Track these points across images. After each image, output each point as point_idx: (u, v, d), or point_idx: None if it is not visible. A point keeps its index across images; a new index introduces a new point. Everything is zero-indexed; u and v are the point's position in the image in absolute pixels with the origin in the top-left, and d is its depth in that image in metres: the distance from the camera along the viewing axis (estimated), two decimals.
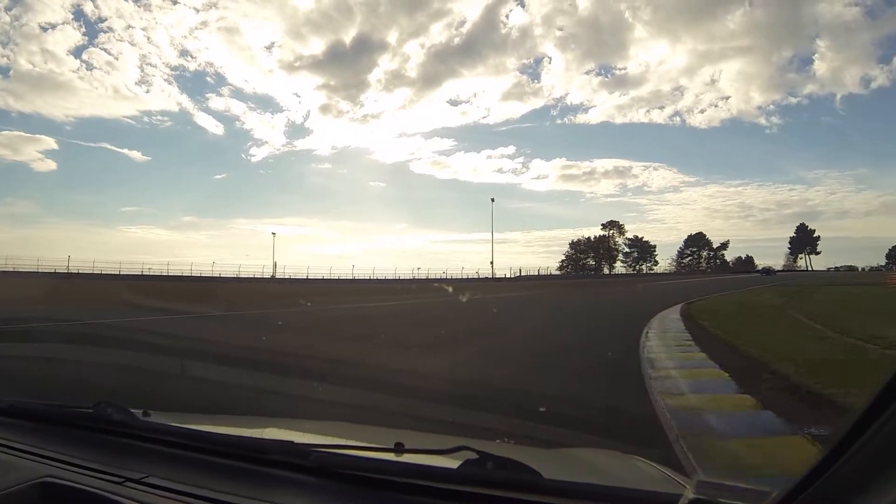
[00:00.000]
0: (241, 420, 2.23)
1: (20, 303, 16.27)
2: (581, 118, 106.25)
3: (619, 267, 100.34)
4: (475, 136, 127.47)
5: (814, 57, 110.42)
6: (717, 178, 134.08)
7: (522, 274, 66.88)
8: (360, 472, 1.12)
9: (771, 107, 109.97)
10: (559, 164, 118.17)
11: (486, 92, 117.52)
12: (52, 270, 45.77)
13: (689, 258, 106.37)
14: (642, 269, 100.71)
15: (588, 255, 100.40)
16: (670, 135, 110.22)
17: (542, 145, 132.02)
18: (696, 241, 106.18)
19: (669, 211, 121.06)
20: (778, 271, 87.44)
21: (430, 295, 23.79)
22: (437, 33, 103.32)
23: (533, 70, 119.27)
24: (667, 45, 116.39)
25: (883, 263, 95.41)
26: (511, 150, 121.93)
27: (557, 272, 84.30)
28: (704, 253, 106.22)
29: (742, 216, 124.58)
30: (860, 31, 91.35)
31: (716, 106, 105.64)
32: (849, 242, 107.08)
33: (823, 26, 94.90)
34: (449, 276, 57.22)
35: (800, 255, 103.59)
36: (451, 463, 1.08)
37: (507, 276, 63.96)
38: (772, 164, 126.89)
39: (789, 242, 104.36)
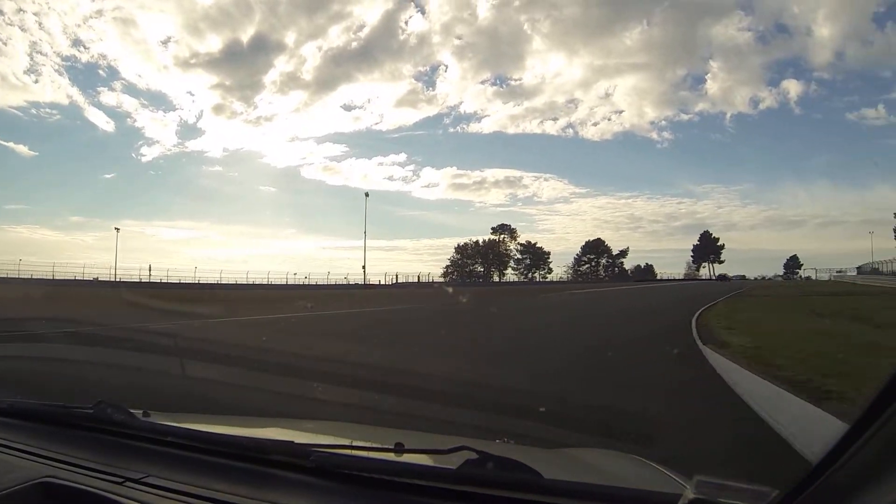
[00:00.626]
0: (241, 420, 2.23)
1: None
2: (474, 127, 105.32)
3: (511, 274, 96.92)
4: (367, 143, 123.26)
5: (706, 77, 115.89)
6: (607, 189, 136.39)
7: (400, 281, 62.87)
8: (360, 472, 1.12)
9: (663, 122, 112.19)
10: (450, 173, 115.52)
11: (380, 98, 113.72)
12: None
13: (587, 265, 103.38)
14: (535, 277, 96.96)
15: (476, 261, 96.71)
16: (563, 146, 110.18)
17: (433, 153, 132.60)
18: (595, 248, 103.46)
19: (559, 221, 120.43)
20: (680, 280, 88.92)
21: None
22: (336, 36, 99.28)
23: (429, 78, 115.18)
24: (564, 58, 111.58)
25: (781, 273, 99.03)
26: (402, 157, 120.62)
27: (441, 279, 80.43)
28: (603, 260, 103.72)
29: (632, 227, 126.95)
30: (751, 54, 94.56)
31: (609, 119, 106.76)
32: (736, 254, 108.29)
33: (717, 48, 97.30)
34: (312, 283, 54.70)
35: (703, 264, 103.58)
36: (450, 463, 1.08)
37: (382, 282, 60.41)
38: (662, 178, 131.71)
39: (692, 250, 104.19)
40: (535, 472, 1.04)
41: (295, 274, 60.24)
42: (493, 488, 1.02)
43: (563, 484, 1.10)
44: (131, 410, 1.41)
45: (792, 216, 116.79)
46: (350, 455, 1.22)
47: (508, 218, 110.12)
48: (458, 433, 2.71)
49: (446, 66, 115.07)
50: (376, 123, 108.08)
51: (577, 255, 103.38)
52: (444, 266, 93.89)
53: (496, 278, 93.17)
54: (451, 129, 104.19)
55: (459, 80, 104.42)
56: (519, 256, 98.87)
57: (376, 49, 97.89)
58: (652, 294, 34.26)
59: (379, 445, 1.42)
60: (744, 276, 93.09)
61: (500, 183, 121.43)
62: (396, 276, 65.26)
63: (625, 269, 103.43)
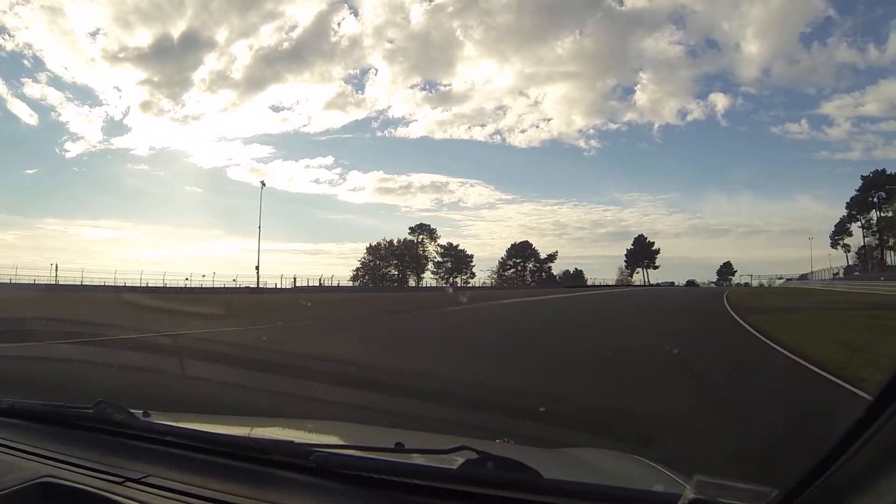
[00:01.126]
0: (241, 420, 2.23)
1: None
2: (402, 132, 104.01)
3: (429, 278, 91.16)
4: (295, 145, 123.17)
5: (636, 87, 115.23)
6: (533, 196, 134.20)
7: (298, 284, 56.77)
8: (360, 472, 1.12)
9: (591, 131, 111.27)
10: (376, 177, 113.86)
11: (309, 100, 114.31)
12: None
13: (513, 270, 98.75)
14: (457, 282, 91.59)
15: (390, 263, 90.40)
16: (490, 152, 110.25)
17: (360, 157, 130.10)
18: (521, 251, 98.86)
19: (484, 227, 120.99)
20: (615, 287, 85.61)
21: None
22: (267, 36, 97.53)
23: (358, 81, 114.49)
24: (495, 64, 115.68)
25: (715, 279, 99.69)
26: (329, 160, 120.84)
27: (350, 282, 76.83)
28: (530, 264, 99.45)
29: (557, 234, 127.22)
30: (681, 68, 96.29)
31: (537, 127, 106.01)
32: (661, 261, 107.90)
33: (648, 60, 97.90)
34: (194, 287, 47.89)
35: (636, 269, 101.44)
36: (451, 463, 1.08)
37: (278, 285, 54.42)
38: (589, 185, 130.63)
39: (626, 255, 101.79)
40: (535, 472, 1.04)
41: (186, 278, 52.85)
42: (494, 488, 1.02)
43: (563, 484, 1.10)
44: (131, 410, 1.41)
45: (716, 225, 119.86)
46: (350, 455, 1.22)
47: (434, 222, 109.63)
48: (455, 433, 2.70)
49: (377, 70, 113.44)
50: (304, 125, 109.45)
51: (503, 258, 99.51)
52: (354, 268, 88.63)
53: (412, 282, 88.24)
54: (379, 133, 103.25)
55: (389, 84, 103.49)
56: (439, 259, 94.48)
57: (307, 50, 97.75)
58: (609, 308, 23.54)
59: (379, 445, 1.42)
60: (672, 282, 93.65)
61: (426, 188, 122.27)
62: (294, 278, 59.09)
63: (553, 274, 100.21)
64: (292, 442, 1.27)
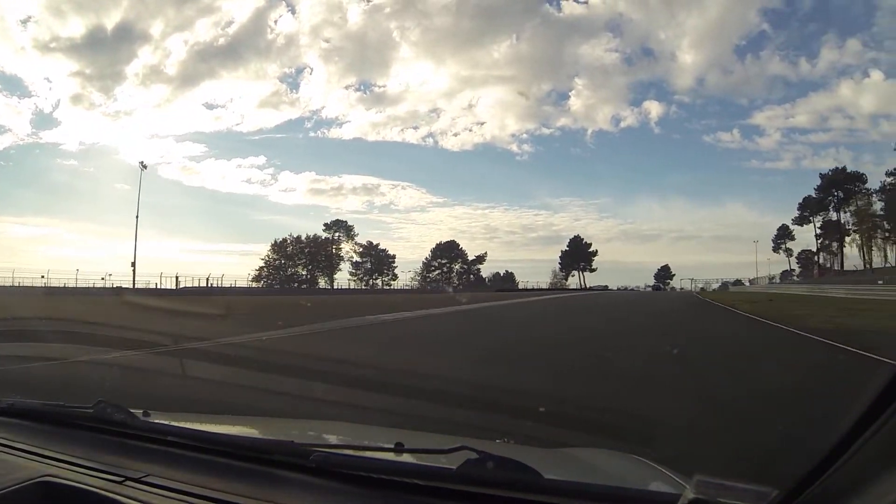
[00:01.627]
0: (241, 420, 2.23)
1: None
2: (335, 132, 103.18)
3: (348, 279, 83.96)
4: (227, 144, 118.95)
5: (571, 93, 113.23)
6: (465, 199, 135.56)
7: (182, 286, 49.69)
8: (360, 472, 1.12)
9: (524, 135, 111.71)
10: (308, 178, 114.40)
11: (243, 98, 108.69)
12: None
13: (438, 271, 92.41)
14: (377, 284, 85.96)
15: (299, 262, 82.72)
16: (423, 155, 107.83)
17: (293, 157, 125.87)
18: (447, 251, 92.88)
19: (415, 230, 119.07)
20: (551, 291, 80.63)
21: None
22: (203, 30, 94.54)
23: (293, 80, 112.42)
24: (430, 66, 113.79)
25: (652, 283, 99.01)
26: (262, 160, 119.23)
27: (253, 283, 69.54)
28: (457, 266, 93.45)
29: (487, 237, 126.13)
30: (617, 75, 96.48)
31: (471, 130, 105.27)
32: (593, 264, 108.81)
33: (584, 67, 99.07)
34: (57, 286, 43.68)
35: (572, 272, 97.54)
36: (451, 463, 1.07)
37: (158, 285, 48.34)
38: (520, 190, 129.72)
39: (560, 257, 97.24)
40: (535, 471, 1.04)
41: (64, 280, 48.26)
42: (493, 488, 1.02)
43: (563, 484, 1.10)
44: (131, 410, 1.41)
45: (648, 230, 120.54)
46: (350, 455, 1.23)
47: (364, 225, 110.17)
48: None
49: (312, 69, 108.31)
50: (237, 124, 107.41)
51: (427, 258, 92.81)
52: (258, 267, 79.51)
53: (324, 284, 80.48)
54: (312, 134, 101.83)
55: (324, 83, 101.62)
56: (358, 259, 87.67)
57: (243, 46, 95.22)
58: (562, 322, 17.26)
59: (379, 445, 1.43)
60: (606, 286, 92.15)
61: (357, 190, 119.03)
62: (177, 278, 51.99)
63: (482, 276, 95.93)
64: (292, 442, 1.27)
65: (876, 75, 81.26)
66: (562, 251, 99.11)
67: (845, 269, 69.75)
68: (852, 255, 69.49)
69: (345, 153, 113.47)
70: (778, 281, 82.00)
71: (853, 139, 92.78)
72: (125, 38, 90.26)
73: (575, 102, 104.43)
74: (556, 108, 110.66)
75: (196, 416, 1.97)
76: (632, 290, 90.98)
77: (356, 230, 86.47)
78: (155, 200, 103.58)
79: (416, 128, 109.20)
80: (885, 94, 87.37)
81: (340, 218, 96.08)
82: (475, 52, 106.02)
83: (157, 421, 1.43)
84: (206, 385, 5.20)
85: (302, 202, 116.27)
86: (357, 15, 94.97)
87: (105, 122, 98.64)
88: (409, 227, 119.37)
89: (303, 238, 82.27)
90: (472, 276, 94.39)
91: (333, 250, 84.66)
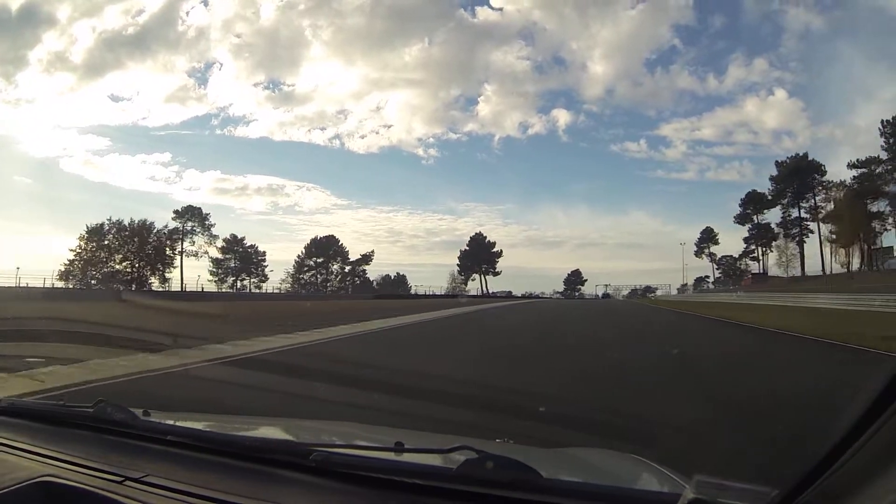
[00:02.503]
0: (241, 420, 2.23)
1: None
2: (241, 131, 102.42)
3: (209, 281, 69.60)
4: (132, 138, 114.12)
5: (479, 99, 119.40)
6: (369, 202, 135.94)
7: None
8: (360, 472, 1.12)
9: (431, 139, 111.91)
10: (213, 177, 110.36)
11: (150, 91, 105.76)
12: None
13: (312, 272, 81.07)
14: (245, 286, 73.73)
15: (123, 254, 63.58)
16: (328, 157, 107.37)
17: (198, 155, 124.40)
18: (324, 249, 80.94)
19: (320, 232, 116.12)
20: (440, 296, 77.52)
21: None
22: (112, 18, 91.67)
23: (202, 75, 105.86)
24: (340, 67, 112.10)
25: (562, 290, 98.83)
26: (167, 157, 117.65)
27: (60, 283, 52.99)
28: (336, 266, 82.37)
29: (391, 241, 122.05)
30: (527, 82, 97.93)
31: (377, 133, 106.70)
32: (497, 268, 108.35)
33: (494, 73, 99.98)
34: None
35: (472, 276, 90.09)
36: (451, 462, 1.08)
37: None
38: (425, 194, 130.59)
39: (460, 257, 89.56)
40: (535, 471, 1.03)
41: None
42: (493, 488, 1.02)
43: (563, 484, 1.10)
44: (131, 410, 1.41)
45: (552, 237, 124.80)
46: (350, 454, 1.23)
47: (268, 226, 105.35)
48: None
49: (221, 65, 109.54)
50: (143, 118, 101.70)
51: (300, 256, 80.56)
52: (67, 260, 60.71)
53: (159, 285, 64.13)
54: (219, 131, 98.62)
55: (233, 80, 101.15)
56: (220, 256, 73.93)
57: (152, 37, 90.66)
58: None
59: (379, 445, 1.42)
60: (510, 291, 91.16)
61: (262, 190, 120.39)
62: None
63: (369, 278, 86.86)
64: (292, 441, 1.27)
65: (780, 93, 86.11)
66: (461, 251, 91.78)
67: (806, 273, 66.81)
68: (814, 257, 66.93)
69: (251, 153, 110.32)
70: (691, 290, 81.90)
71: (756, 153, 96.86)
72: (30, 21, 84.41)
73: (483, 108, 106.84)
74: (464, 114, 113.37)
75: (196, 415, 1.97)
76: (537, 296, 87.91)
77: (212, 219, 71.38)
78: (55, 195, 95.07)
79: (323, 129, 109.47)
80: (787, 111, 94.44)
81: (246, 218, 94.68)
82: (386, 54, 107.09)
83: (157, 421, 1.43)
84: None
85: (206, 201, 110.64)
86: (270, 11, 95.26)
87: (5, 109, 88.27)
88: (314, 230, 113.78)
89: (127, 224, 64.07)
90: (356, 278, 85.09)
91: (168, 243, 67.45)
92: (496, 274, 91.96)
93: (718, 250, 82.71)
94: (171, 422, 1.47)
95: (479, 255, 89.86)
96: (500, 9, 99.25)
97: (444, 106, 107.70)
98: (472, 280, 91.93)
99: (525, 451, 1.55)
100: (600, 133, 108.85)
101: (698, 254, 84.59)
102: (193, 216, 70.27)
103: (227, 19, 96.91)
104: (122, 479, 1.13)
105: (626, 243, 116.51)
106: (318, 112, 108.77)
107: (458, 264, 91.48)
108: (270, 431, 1.73)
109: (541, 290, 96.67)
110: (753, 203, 75.03)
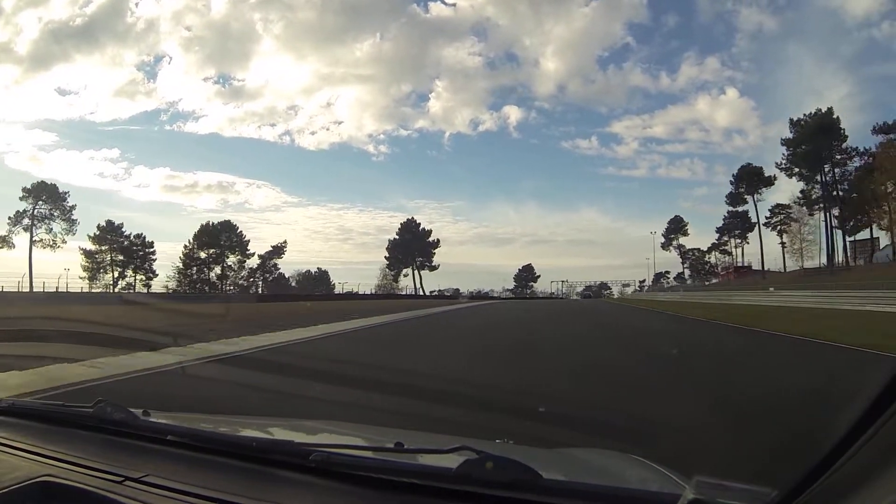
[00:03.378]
0: (241, 420, 2.23)
1: None
2: (191, 127, 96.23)
3: (81, 278, 57.24)
4: (80, 134, 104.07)
5: (431, 95, 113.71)
6: (320, 199, 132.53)
7: None
8: (360, 472, 1.12)
9: (381, 136, 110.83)
10: (163, 174, 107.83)
11: (98, 85, 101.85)
12: None
13: (198, 267, 66.10)
14: (132, 285, 61.59)
15: None
16: (279, 153, 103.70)
17: (148, 151, 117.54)
18: (213, 237, 66.00)
19: (270, 230, 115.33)
20: (364, 295, 65.84)
21: None
22: (59, 8, 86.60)
23: (151, 68, 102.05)
24: (291, 61, 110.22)
25: (511, 286, 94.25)
26: (116, 153, 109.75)
27: None
28: (232, 258, 67.48)
29: (341, 239, 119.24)
30: (478, 78, 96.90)
31: (328, 129, 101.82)
32: (444, 267, 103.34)
33: (445, 69, 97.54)
34: None
35: (405, 270, 79.11)
36: (450, 462, 1.07)
37: None
38: (375, 191, 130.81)
39: (388, 248, 78.40)
40: (535, 472, 1.03)
41: None
42: (493, 488, 1.02)
43: (563, 484, 1.10)
44: (131, 409, 1.41)
45: (502, 234, 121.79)
46: (350, 454, 1.23)
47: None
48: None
49: (171, 58, 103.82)
50: (91, 113, 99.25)
51: (188, 245, 66.11)
52: None
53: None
54: (168, 127, 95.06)
55: (182, 74, 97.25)
56: (91, 247, 61.45)
57: (100, 29, 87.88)
58: None
59: (379, 445, 1.43)
60: (458, 289, 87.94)
61: (212, 187, 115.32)
62: None
63: (283, 274, 74.38)
64: (292, 441, 1.27)
65: (731, 93, 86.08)
66: (390, 241, 78.36)
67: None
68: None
69: (201, 149, 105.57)
70: (645, 289, 77.72)
71: (707, 151, 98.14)
72: None
73: (434, 104, 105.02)
74: (415, 110, 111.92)
75: (196, 415, 1.97)
76: (486, 294, 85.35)
77: (75, 204, 57.47)
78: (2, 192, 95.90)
79: (273, 125, 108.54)
80: (739, 110, 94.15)
81: (196, 216, 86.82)
82: (337, 49, 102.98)
83: (156, 420, 1.43)
84: None
85: (156, 199, 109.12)
86: (221, 3, 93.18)
87: None
88: (264, 228, 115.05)
89: None
90: (267, 275, 71.49)
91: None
92: (433, 268, 79.98)
93: (697, 238, 79.19)
94: (170, 422, 1.47)
95: (412, 245, 77.76)
96: (454, 4, 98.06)
97: (395, 102, 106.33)
98: (405, 275, 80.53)
99: (525, 452, 1.55)
100: (551, 130, 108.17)
101: (666, 245, 79.08)
102: (49, 197, 56.32)
103: (177, 11, 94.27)
104: (122, 479, 1.13)
105: (577, 240, 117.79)
106: (269, 108, 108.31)
107: (386, 257, 79.42)
108: (270, 431, 1.73)
109: (490, 288, 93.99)
110: (749, 179, 64.15)
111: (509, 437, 1.71)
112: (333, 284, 78.00)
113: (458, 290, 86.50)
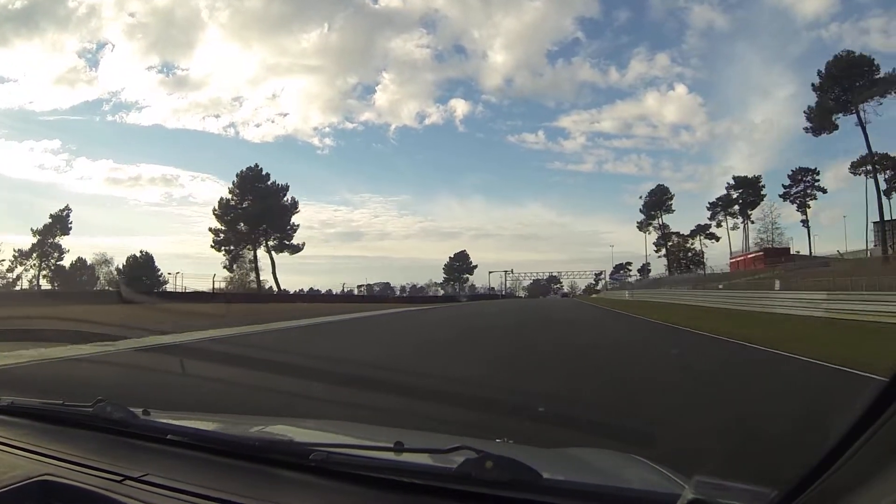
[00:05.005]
0: (241, 419, 2.23)
1: None
2: (134, 117, 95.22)
3: None
4: (19, 123, 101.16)
5: (377, 87, 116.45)
6: None
7: None
8: (359, 472, 1.12)
9: (327, 129, 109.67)
10: (106, 167, 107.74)
11: (37, 72, 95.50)
12: None
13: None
14: None
15: None
16: (223, 146, 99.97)
17: (90, 143, 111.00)
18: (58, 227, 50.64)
19: (213, 224, 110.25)
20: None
21: None
22: None
23: (93, 56, 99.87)
24: (237, 51, 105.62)
25: (440, 280, 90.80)
26: (57, 144, 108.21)
27: None
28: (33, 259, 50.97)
29: None
30: (426, 71, 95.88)
31: (273, 121, 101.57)
32: (388, 262, 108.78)
33: (392, 61, 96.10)
34: None
35: (243, 252, 53.92)
36: (450, 462, 1.08)
37: None
38: (320, 185, 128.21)
39: (220, 219, 53.33)
40: (535, 471, 1.03)
41: None
42: (493, 488, 1.02)
43: (563, 484, 1.10)
44: (131, 409, 1.41)
45: (447, 228, 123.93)
46: (350, 454, 1.23)
47: (162, 218, 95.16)
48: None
49: (113, 46, 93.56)
50: (30, 102, 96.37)
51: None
52: None
53: None
54: (111, 117, 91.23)
55: (125, 62, 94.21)
56: None
57: (40, 13, 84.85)
58: None
59: (379, 444, 1.43)
60: (388, 283, 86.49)
61: (156, 180, 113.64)
62: None
63: (85, 261, 56.83)
64: (292, 441, 1.27)
65: (680, 89, 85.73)
66: (221, 201, 53.76)
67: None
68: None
69: (144, 141, 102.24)
70: (612, 285, 70.43)
71: (654, 147, 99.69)
72: None
73: (381, 97, 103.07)
74: (361, 102, 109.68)
75: (196, 415, 1.97)
76: (416, 289, 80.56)
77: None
78: None
79: (217, 116, 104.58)
80: (687, 106, 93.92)
81: (139, 210, 72.90)
82: (284, 38, 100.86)
83: (156, 420, 1.43)
84: None
85: (99, 192, 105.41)
86: None
87: None
88: (209, 222, 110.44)
89: None
90: (46, 260, 52.61)
91: None
92: (294, 249, 54.99)
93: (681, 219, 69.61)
94: (170, 421, 1.47)
95: (261, 214, 52.14)
96: None
97: (342, 94, 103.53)
98: (248, 256, 54.48)
99: (525, 451, 1.55)
100: (498, 124, 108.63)
101: (644, 226, 64.36)
102: None
103: None
104: (122, 478, 1.13)
105: (523, 234, 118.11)
106: (213, 99, 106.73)
107: (215, 230, 53.31)
108: (270, 431, 1.73)
109: (427, 280, 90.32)
110: (849, 74, 41.99)
111: None
112: (161, 273, 55.88)
113: (388, 283, 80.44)
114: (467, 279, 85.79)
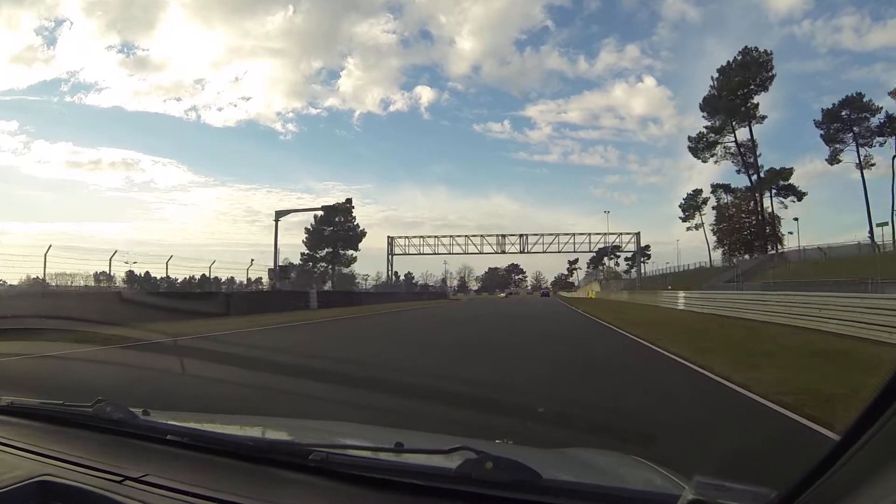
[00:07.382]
0: (241, 419, 2.23)
1: None
2: (93, 99, 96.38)
3: None
4: None
5: (342, 73, 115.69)
6: (227, 180, 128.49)
7: None
8: (359, 472, 1.12)
9: (290, 114, 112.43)
10: (65, 150, 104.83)
11: None
12: None
13: None
14: None
15: None
16: (184, 130, 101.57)
17: (48, 125, 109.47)
18: None
19: (177, 211, 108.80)
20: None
21: None
22: None
23: (50, 34, 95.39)
24: (199, 31, 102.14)
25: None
26: (14, 125, 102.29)
27: None
28: None
29: (249, 221, 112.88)
30: (391, 56, 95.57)
31: (235, 106, 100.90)
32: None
33: (357, 45, 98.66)
34: None
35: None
36: (450, 463, 1.07)
37: None
38: (283, 172, 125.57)
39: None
40: (535, 472, 1.03)
41: None
42: (493, 488, 1.02)
43: (563, 484, 1.10)
44: (131, 409, 1.41)
45: (410, 218, 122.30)
46: (350, 455, 1.23)
47: (123, 203, 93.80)
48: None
49: (72, 23, 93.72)
50: None
51: None
52: None
53: None
54: (69, 98, 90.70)
55: (84, 41, 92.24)
56: None
57: None
58: None
59: (379, 445, 1.42)
60: (368, 276, 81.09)
61: (116, 165, 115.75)
62: None
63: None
64: (292, 441, 1.27)
65: (649, 81, 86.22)
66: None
67: None
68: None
69: (104, 124, 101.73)
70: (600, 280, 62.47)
71: (621, 139, 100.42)
72: None
73: (345, 82, 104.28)
74: (325, 87, 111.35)
75: (196, 415, 1.97)
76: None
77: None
78: None
79: (178, 99, 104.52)
80: (655, 99, 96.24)
81: (99, 195, 76.18)
82: (248, 20, 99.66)
83: (156, 420, 1.43)
84: None
85: (56, 176, 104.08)
86: None
87: None
88: (171, 208, 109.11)
89: None
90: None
91: None
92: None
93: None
94: (170, 421, 1.47)
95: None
96: None
97: (305, 79, 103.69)
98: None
99: (524, 452, 1.55)
100: (464, 112, 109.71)
101: (688, 214, 55.11)
102: None
103: None
104: (122, 478, 1.13)
105: (487, 225, 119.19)
106: (175, 81, 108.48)
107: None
108: (270, 431, 1.73)
109: (365, 273, 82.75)
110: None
111: None
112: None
113: (368, 276, 73.38)
114: (402, 275, 79.12)
